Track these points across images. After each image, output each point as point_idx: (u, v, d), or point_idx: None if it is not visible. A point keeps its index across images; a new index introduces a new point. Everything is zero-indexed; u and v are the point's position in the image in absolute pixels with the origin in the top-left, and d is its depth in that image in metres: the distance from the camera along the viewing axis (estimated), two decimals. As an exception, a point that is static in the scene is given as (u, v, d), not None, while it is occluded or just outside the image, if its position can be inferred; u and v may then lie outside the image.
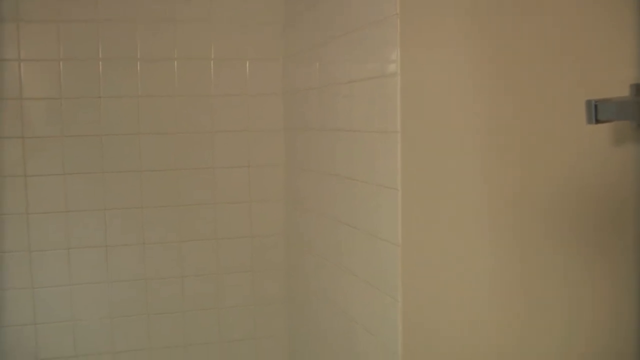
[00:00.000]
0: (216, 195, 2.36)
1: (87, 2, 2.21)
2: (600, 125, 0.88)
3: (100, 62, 2.25)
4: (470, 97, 1.34)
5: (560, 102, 1.04)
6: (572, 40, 0.95)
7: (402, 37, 1.37)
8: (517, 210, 1.16)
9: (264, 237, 2.41)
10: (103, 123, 2.26)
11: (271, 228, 2.41)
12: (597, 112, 0.76)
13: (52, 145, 2.23)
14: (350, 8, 1.66)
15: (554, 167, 1.07)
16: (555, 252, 1.06)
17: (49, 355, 2.29)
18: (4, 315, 2.24)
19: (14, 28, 2.16)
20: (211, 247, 2.37)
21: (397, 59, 1.37)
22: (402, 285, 1.42)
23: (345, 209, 1.76)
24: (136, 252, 2.31)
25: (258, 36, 2.37)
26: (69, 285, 2.27)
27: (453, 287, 1.44)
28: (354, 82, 1.65)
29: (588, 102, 0.77)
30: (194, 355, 2.40)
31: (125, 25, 2.25)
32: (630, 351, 0.97)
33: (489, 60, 1.24)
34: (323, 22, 1.89)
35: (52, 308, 2.27)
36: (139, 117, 2.28)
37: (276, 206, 2.41)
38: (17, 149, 2.20)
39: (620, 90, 0.87)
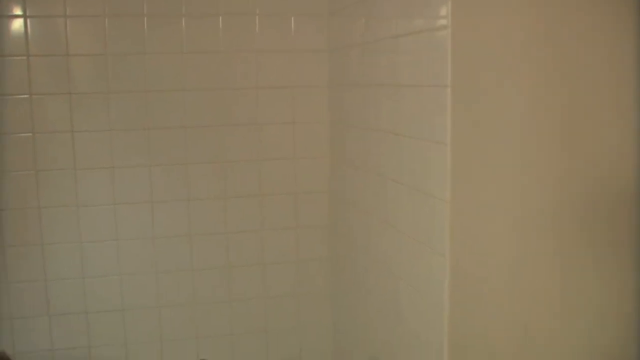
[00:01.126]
0: (261, 151, 2.37)
1: (132, -44, 2.22)
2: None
3: (145, 18, 2.25)
4: (520, 57, 1.32)
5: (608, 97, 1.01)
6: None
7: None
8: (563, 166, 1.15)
9: (308, 194, 2.42)
10: (148, 79, 2.27)
11: (315, 185, 2.42)
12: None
13: (98, 101, 2.25)
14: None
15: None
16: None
17: (96, 308, 2.35)
18: (54, 268, 2.30)
19: (59, -17, 2.18)
20: (255, 204, 2.39)
21: (448, 13, 1.35)
22: (450, 242, 1.42)
23: (392, 165, 1.75)
24: (181, 208, 2.34)
25: (303, -9, 2.36)
26: (115, 240, 2.32)
27: (501, 245, 1.44)
28: (402, 36, 1.63)
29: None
30: (237, 311, 2.44)
31: (169, -20, 2.26)
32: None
33: (542, 24, 1.22)
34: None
35: (99, 262, 2.33)
36: (183, 73, 2.29)
37: (321, 163, 2.41)
38: (64, 105, 2.23)
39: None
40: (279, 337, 2.49)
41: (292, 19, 2.35)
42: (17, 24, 2.17)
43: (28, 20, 2.18)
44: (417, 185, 1.57)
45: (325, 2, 2.36)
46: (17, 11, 2.17)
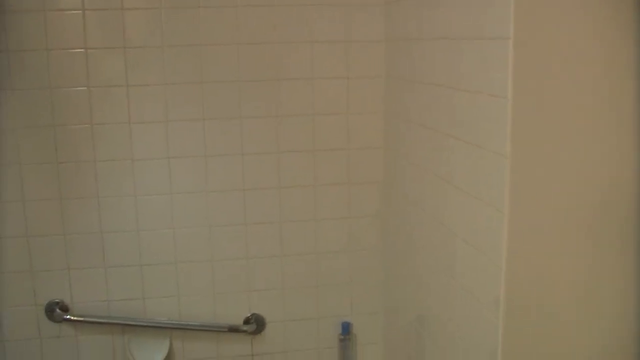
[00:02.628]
0: (315, 106, 2.37)
1: None
2: None
3: (200, -29, 2.27)
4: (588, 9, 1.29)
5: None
6: None
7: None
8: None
9: (362, 149, 2.42)
10: (202, 33, 2.29)
11: (369, 140, 2.42)
12: None
13: (152, 55, 2.28)
14: None
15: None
16: None
17: (151, 261, 2.41)
18: (109, 221, 2.36)
19: None
20: (308, 159, 2.40)
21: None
22: (509, 197, 1.41)
23: (449, 120, 1.74)
24: (234, 163, 2.37)
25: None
26: (169, 194, 2.36)
27: (560, 201, 1.43)
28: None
29: None
30: (289, 266, 2.48)
31: None
32: None
33: None
34: None
35: (154, 215, 2.38)
36: (237, 27, 2.30)
37: (375, 118, 2.40)
38: (119, 59, 2.27)
39: None
40: (330, 292, 2.53)
41: (347, -29, 2.34)
42: (73, -22, 2.21)
43: (83, -26, 2.21)
44: (475, 140, 1.56)
45: (381, -47, 2.33)
46: (73, -36, 2.20)
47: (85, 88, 2.26)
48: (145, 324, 2.44)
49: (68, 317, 2.40)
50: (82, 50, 2.24)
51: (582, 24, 1.36)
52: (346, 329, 2.54)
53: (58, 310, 2.40)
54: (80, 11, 2.22)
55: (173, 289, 2.44)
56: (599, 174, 1.44)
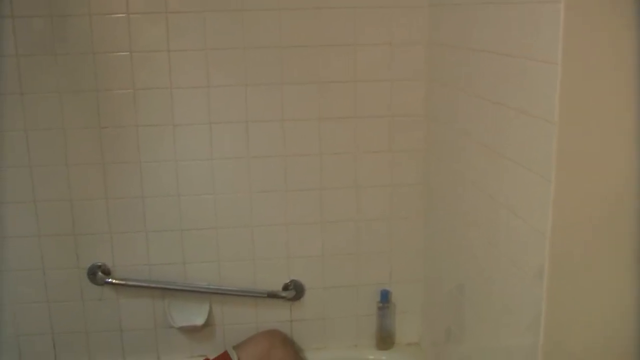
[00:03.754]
0: (356, 73, 2.36)
1: None
2: None
3: None
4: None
5: None
6: None
7: None
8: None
9: (404, 116, 2.41)
10: (244, -2, 2.29)
11: (412, 108, 2.40)
12: None
13: (194, 20, 2.28)
14: None
15: None
16: None
17: (191, 226, 2.44)
18: (150, 186, 2.39)
19: None
20: (350, 126, 2.40)
21: None
22: (556, 165, 1.39)
23: (494, 86, 1.72)
24: (275, 129, 2.38)
25: None
26: (210, 159, 2.38)
27: (608, 171, 1.41)
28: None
29: None
30: (329, 233, 2.49)
31: None
32: None
33: None
34: None
35: (194, 181, 2.40)
36: (279, -9, 2.29)
37: (418, 85, 2.38)
38: (160, 24, 2.27)
39: None
40: (370, 260, 2.54)
41: None
42: (115, -59, 2.21)
43: (125, -63, 2.22)
44: (523, 106, 1.54)
45: None
46: None
47: (127, 53, 2.28)
48: (185, 288, 2.48)
49: (110, 280, 2.45)
50: (124, 15, 2.25)
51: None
52: (385, 297, 2.55)
53: (100, 273, 2.45)
54: (123, -24, 2.24)
55: (213, 254, 2.47)
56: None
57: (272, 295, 2.50)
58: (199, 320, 2.48)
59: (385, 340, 2.60)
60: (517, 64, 1.56)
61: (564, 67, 1.33)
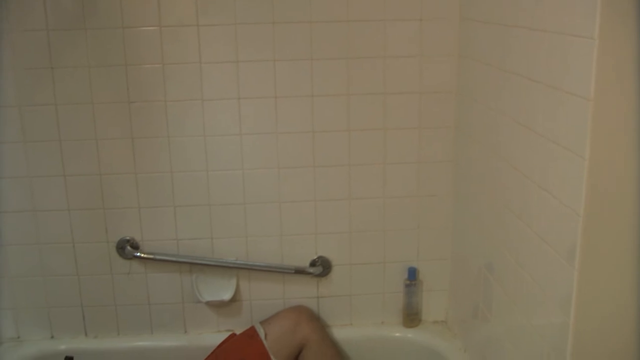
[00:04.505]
0: (386, 48, 2.34)
1: None
2: None
3: None
4: None
5: None
6: None
7: None
8: None
9: (434, 93, 2.39)
10: (273, -28, 2.28)
11: (441, 84, 2.38)
12: None
13: (222, -5, 2.28)
14: None
15: None
16: None
17: (219, 201, 2.46)
18: (179, 161, 2.40)
19: None
20: (378, 102, 2.38)
21: None
22: (590, 142, 1.38)
23: (528, 62, 1.70)
24: (304, 104, 2.37)
25: None
26: (239, 134, 2.39)
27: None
28: None
29: None
30: (357, 210, 2.49)
31: None
32: None
33: None
34: None
35: (222, 156, 2.41)
36: (308, -35, 2.28)
37: (447, 60, 2.36)
38: (189, 1, 2.27)
39: None
40: (397, 237, 2.54)
41: None
42: None
43: None
44: (557, 83, 1.53)
45: None
46: None
47: (156, 28, 2.29)
48: (212, 263, 2.50)
49: (138, 254, 2.47)
50: (153, -11, 2.26)
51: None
52: (412, 274, 2.55)
53: (129, 247, 2.48)
54: (150, -51, 2.24)
55: (241, 229, 2.48)
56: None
57: (299, 271, 2.51)
58: (226, 295, 2.51)
59: (411, 317, 2.60)
60: (552, 39, 1.54)
61: (600, 41, 1.31)
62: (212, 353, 2.45)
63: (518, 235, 1.82)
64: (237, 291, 2.54)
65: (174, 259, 2.49)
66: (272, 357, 2.35)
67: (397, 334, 2.61)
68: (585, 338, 1.50)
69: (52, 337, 2.58)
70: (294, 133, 2.39)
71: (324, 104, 2.37)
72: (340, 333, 2.59)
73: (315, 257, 2.53)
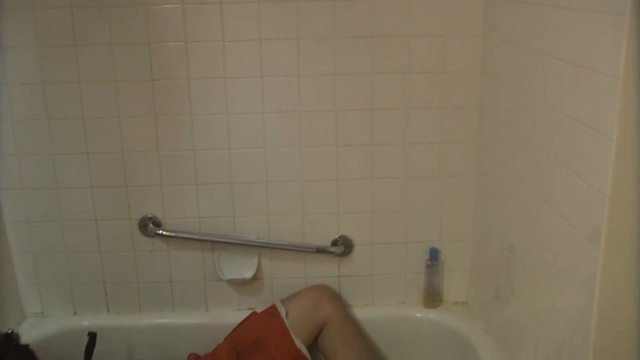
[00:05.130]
0: (409, 27, 2.32)
1: None
2: None
3: None
4: None
5: None
6: None
7: None
8: None
9: (457, 73, 2.37)
10: (296, -52, 2.26)
11: (465, 64, 2.36)
12: None
13: (245, -28, 2.28)
14: None
15: None
16: None
17: (241, 179, 2.47)
18: (201, 139, 2.41)
19: None
20: (401, 80, 2.37)
21: None
22: (618, 122, 1.36)
23: (553, 41, 1.69)
24: (327, 83, 2.37)
25: None
26: (261, 113, 2.39)
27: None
28: None
29: None
30: (379, 189, 2.49)
31: None
32: None
33: None
34: None
35: (245, 135, 2.42)
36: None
37: (472, 40, 2.34)
38: (212, -25, 2.28)
39: None
40: (419, 217, 2.54)
41: None
42: None
43: None
44: (585, 62, 1.51)
45: None
46: None
47: (179, 5, 2.29)
48: (234, 241, 2.51)
49: (160, 232, 2.49)
50: (174, -33, 2.26)
51: None
52: (434, 254, 2.55)
53: (151, 225, 2.50)
54: None
55: (263, 208, 2.50)
56: None
57: (320, 250, 2.52)
58: (248, 274, 2.52)
59: (433, 298, 2.61)
60: (580, 17, 1.52)
61: (632, 18, 1.30)
62: (233, 331, 2.47)
63: (542, 216, 1.82)
64: (258, 269, 2.55)
65: (196, 236, 2.51)
66: (293, 335, 2.37)
67: (418, 314, 2.61)
68: (609, 321, 1.50)
69: (75, 313, 2.62)
70: (316, 112, 2.39)
71: (346, 82, 2.36)
72: (361, 313, 2.60)
73: (337, 237, 2.54)
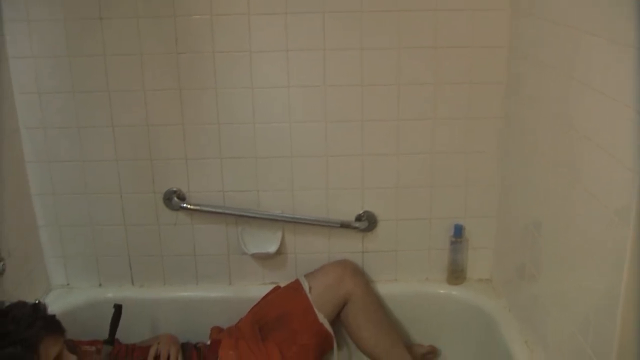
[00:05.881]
0: (437, 1, 2.31)
1: None
2: None
3: None
4: None
5: None
6: None
7: None
8: None
9: (485, 47, 2.35)
10: None
11: (493, 39, 2.34)
12: None
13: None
14: None
15: None
16: None
17: (266, 154, 2.48)
18: (226, 112, 2.43)
19: None
20: (429, 56, 2.36)
21: None
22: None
23: (584, 16, 1.67)
24: (353, 57, 2.36)
25: None
26: (287, 87, 2.39)
27: None
28: None
29: None
30: (404, 164, 2.49)
31: None
32: None
33: None
34: None
35: (270, 109, 2.43)
36: None
37: (499, 14, 2.31)
38: (238, -53, 2.27)
39: None
40: (444, 194, 2.54)
41: None
42: None
43: None
44: (613, 35, 1.50)
45: None
46: None
47: (205, -22, 2.29)
48: (258, 215, 2.53)
49: (185, 205, 2.52)
50: (202, -61, 2.26)
51: None
52: (458, 231, 2.55)
53: (175, 198, 2.52)
54: None
55: (287, 182, 2.51)
56: None
57: (344, 226, 2.53)
58: (272, 248, 2.54)
59: (456, 275, 2.62)
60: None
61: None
62: (256, 305, 2.50)
63: (569, 193, 1.81)
64: (282, 244, 2.57)
65: (220, 210, 2.53)
66: (316, 310, 2.39)
67: (442, 291, 2.63)
68: (637, 299, 1.49)
69: (100, 285, 2.66)
70: (342, 86, 2.39)
71: (373, 57, 2.35)
72: (385, 288, 2.62)
73: (361, 212, 2.55)
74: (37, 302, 2.06)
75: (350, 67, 2.37)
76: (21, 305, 2.02)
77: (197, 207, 2.52)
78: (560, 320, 1.90)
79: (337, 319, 2.47)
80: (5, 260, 2.15)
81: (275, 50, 2.35)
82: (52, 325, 2.00)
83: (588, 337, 1.69)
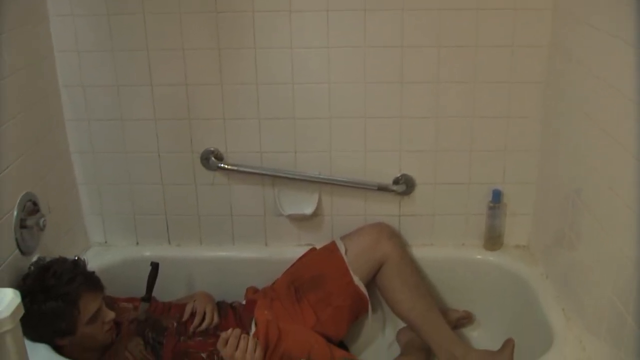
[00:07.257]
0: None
1: None
2: None
3: None
4: None
5: None
6: None
7: None
8: None
9: (529, 9, 2.32)
10: None
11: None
12: None
13: None
14: None
15: None
16: None
17: (304, 115, 2.49)
18: (265, 72, 2.44)
19: None
20: (471, 17, 2.33)
21: None
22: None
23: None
24: (394, 18, 2.34)
25: None
26: (327, 47, 2.39)
27: None
28: None
29: None
30: (443, 128, 2.48)
31: None
32: None
33: None
34: None
35: (309, 69, 2.43)
36: None
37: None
38: None
39: None
40: (483, 158, 2.52)
41: None
42: None
43: None
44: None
45: None
46: None
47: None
48: (295, 176, 2.55)
49: (222, 165, 2.55)
50: None
51: None
52: (497, 197, 2.55)
53: (213, 158, 2.55)
54: None
55: (325, 144, 2.52)
56: None
57: (382, 189, 2.54)
58: (308, 210, 2.57)
59: (493, 241, 2.62)
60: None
61: None
62: (292, 266, 2.53)
63: (612, 159, 1.80)
64: (318, 206, 2.59)
65: (257, 171, 2.56)
66: (351, 272, 2.41)
67: (478, 257, 2.63)
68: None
69: (137, 243, 2.72)
70: (382, 47, 2.38)
71: (414, 17, 2.34)
72: (420, 252, 2.63)
73: (398, 175, 2.55)
74: (77, 258, 2.12)
75: (391, 28, 2.35)
76: (62, 261, 2.08)
77: (235, 168, 2.55)
78: (600, 288, 1.90)
79: (372, 283, 2.49)
80: (46, 217, 2.19)
81: (315, 10, 2.34)
82: (91, 281, 2.06)
83: (629, 305, 1.69)
